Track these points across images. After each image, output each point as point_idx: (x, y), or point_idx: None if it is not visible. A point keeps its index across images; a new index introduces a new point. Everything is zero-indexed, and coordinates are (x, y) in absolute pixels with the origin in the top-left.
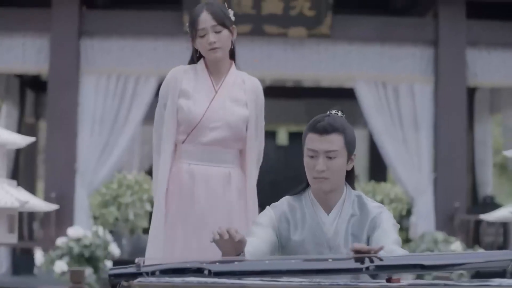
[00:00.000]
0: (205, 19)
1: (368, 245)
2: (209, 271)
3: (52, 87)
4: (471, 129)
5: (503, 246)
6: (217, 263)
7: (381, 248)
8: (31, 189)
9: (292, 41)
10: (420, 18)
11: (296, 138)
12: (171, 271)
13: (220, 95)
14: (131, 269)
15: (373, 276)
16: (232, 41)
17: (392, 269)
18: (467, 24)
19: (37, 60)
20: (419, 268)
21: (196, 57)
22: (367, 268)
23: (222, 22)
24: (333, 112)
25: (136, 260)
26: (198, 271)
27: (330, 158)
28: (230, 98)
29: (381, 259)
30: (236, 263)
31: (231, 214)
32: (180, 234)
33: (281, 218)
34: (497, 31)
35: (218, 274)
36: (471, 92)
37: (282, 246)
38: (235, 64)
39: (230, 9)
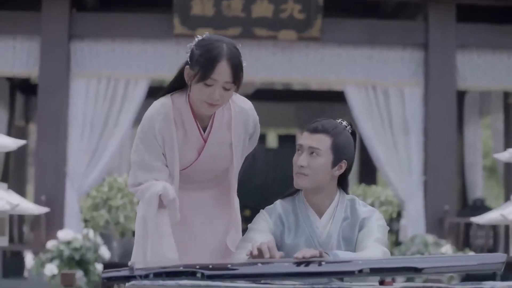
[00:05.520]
0: (223, 72)
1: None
2: (202, 274)
3: (42, 90)
4: (461, 132)
5: (493, 249)
6: (210, 266)
7: (320, 252)
8: (21, 192)
9: (282, 44)
10: (409, 21)
11: (285, 140)
12: (164, 274)
13: (208, 144)
14: (124, 272)
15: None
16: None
17: (385, 272)
18: (456, 27)
19: (27, 63)
20: (412, 271)
21: (179, 87)
22: (360, 271)
23: (237, 80)
24: (339, 120)
25: (130, 263)
26: (192, 274)
27: (312, 154)
28: (219, 143)
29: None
30: (229, 266)
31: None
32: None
33: (276, 222)
34: (486, 34)
35: (211, 277)
36: (461, 95)
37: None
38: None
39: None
